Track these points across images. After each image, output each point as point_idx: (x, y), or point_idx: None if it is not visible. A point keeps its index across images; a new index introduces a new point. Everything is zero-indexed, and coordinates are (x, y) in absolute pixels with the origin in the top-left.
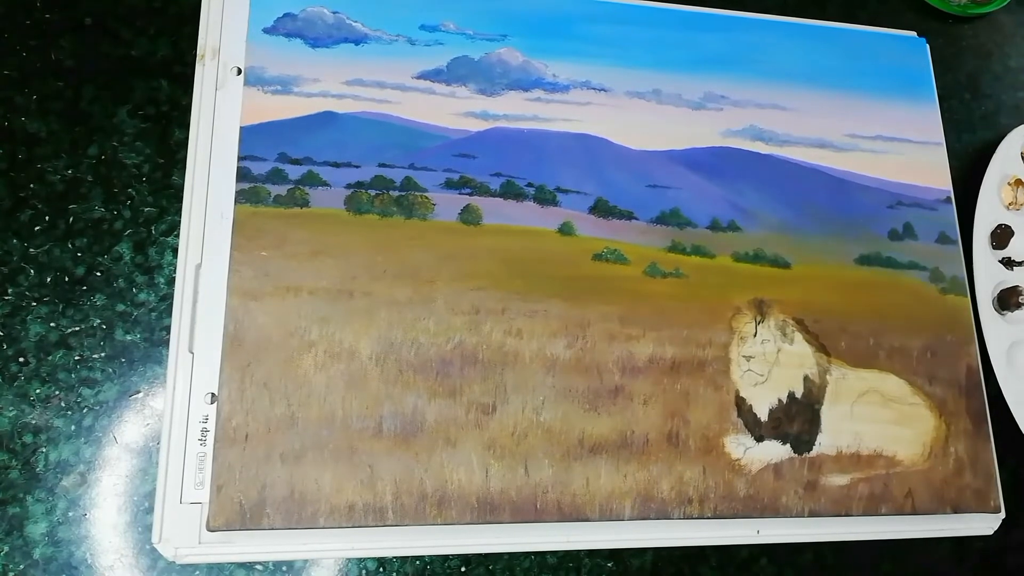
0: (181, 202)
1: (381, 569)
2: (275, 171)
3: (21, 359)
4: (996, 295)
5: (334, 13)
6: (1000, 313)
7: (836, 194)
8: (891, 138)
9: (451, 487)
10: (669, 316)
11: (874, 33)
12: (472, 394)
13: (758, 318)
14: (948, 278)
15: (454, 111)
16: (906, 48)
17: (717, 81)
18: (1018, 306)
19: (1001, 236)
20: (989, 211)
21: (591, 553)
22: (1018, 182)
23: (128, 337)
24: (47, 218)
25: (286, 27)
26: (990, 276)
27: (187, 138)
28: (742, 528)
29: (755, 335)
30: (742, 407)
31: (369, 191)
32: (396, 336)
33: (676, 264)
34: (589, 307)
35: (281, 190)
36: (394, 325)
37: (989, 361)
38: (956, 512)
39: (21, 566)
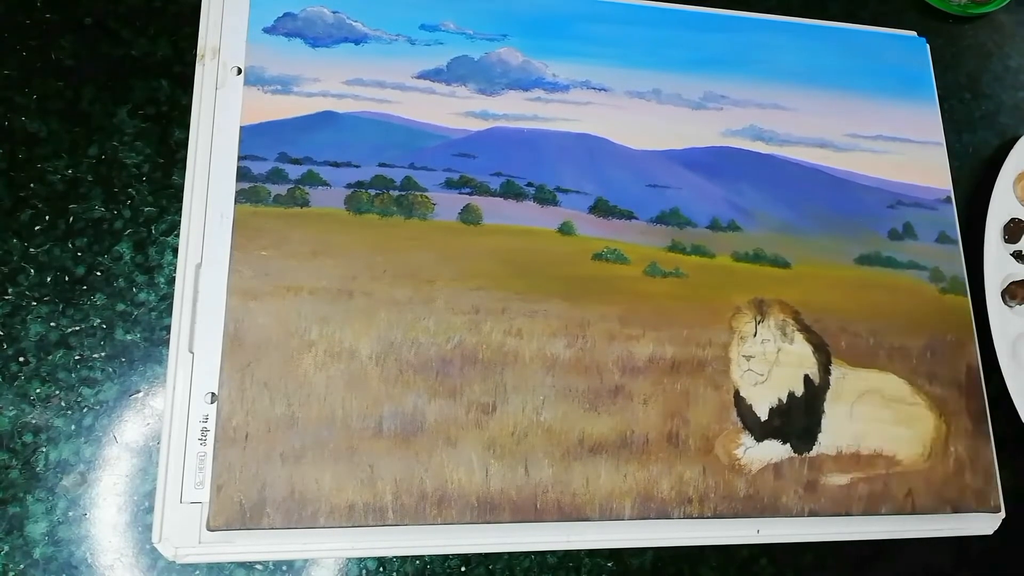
0: (181, 202)
1: (381, 569)
2: (275, 171)
3: (21, 359)
4: (1005, 288)
5: (334, 13)
6: (1008, 306)
7: (836, 194)
8: (891, 138)
9: (451, 487)
10: (669, 316)
11: (874, 33)
12: (472, 394)
13: (758, 318)
14: (948, 278)
15: (454, 111)
16: (906, 48)
17: (717, 81)
18: None
19: (1014, 230)
20: (1003, 205)
21: (591, 553)
22: None
23: (128, 337)
24: (47, 218)
25: (286, 27)
26: (1000, 269)
27: (187, 138)
28: (742, 528)
29: (755, 335)
30: (742, 407)
31: (369, 191)
32: (396, 336)
33: (676, 264)
34: (589, 307)
35: (281, 190)
36: (394, 325)
37: (993, 354)
38: (956, 512)
39: (21, 566)
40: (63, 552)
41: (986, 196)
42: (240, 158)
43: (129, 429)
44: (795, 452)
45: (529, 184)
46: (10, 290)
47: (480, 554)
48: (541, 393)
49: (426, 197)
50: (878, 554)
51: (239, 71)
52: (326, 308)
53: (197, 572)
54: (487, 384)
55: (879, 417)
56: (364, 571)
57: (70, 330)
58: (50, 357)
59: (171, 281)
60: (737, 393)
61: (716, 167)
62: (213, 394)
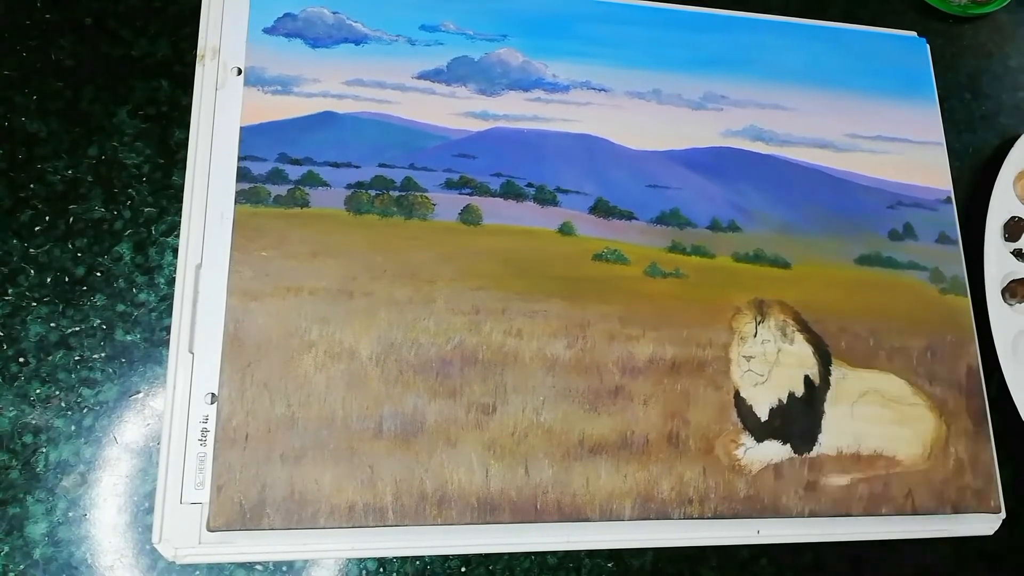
0: (181, 202)
1: (381, 569)
2: (275, 171)
3: (21, 359)
4: (1005, 286)
5: (334, 13)
6: (1008, 304)
7: (836, 194)
8: (891, 138)
9: (451, 487)
10: (669, 316)
11: (874, 33)
12: (472, 394)
13: (758, 318)
14: (948, 278)
15: (454, 111)
16: (906, 48)
17: (717, 81)
18: None
19: (1014, 228)
20: (1003, 203)
21: (591, 553)
22: None
23: (128, 337)
24: (47, 218)
25: (286, 27)
26: (1000, 267)
27: (187, 138)
28: (742, 528)
29: (755, 335)
30: (742, 407)
31: (369, 191)
32: (396, 336)
33: (676, 264)
34: (589, 307)
35: (281, 190)
36: (394, 325)
37: (993, 354)
38: (956, 512)
39: (21, 566)
40: (63, 553)
41: (986, 196)
42: (240, 158)
43: (129, 430)
44: (795, 452)
45: (529, 184)
46: (10, 290)
47: (480, 554)
48: (541, 393)
49: (426, 197)
50: (878, 554)
51: (239, 71)
52: (326, 308)
53: (197, 572)
54: (487, 384)
55: (879, 417)
56: (364, 572)
57: (70, 331)
58: (50, 358)
59: (171, 282)
60: (737, 393)
61: (716, 167)
62: (213, 395)
